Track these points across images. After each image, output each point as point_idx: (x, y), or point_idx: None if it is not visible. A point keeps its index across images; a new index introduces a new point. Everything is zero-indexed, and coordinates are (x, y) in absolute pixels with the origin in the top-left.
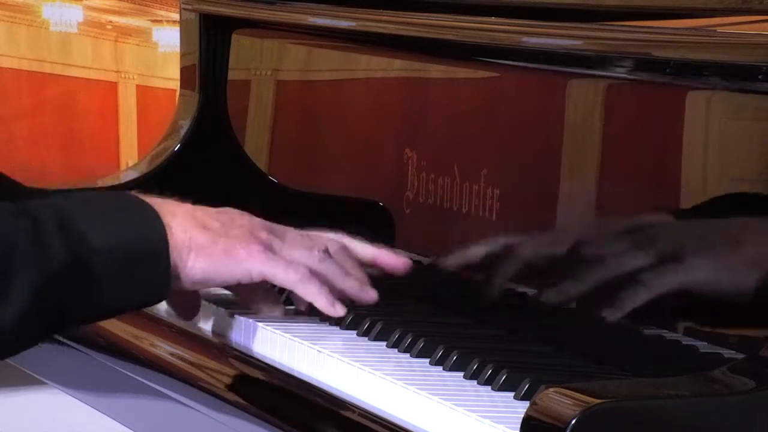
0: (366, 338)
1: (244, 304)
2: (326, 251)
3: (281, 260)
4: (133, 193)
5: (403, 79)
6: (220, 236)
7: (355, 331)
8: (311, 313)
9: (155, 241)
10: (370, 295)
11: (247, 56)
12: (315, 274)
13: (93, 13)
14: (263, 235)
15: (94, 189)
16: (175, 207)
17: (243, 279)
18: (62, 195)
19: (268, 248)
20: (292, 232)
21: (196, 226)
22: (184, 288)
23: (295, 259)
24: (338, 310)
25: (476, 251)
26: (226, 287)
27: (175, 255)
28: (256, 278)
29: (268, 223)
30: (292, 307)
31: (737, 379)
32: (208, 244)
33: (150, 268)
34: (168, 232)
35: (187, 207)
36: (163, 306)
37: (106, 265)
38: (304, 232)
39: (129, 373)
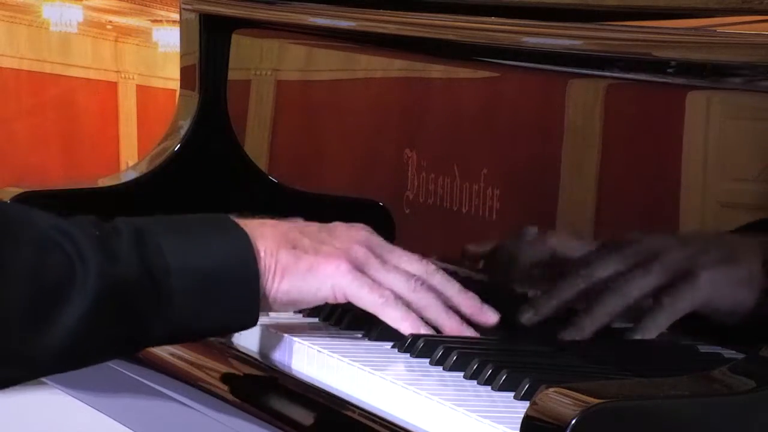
0: (366, 339)
1: None
2: (424, 281)
3: (367, 280)
4: (231, 216)
5: (403, 79)
6: (307, 254)
7: (355, 331)
8: (311, 314)
9: (241, 265)
10: (467, 332)
11: (247, 56)
12: (404, 300)
13: (93, 13)
14: (359, 253)
15: (94, 189)
16: (267, 228)
17: (328, 298)
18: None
19: (358, 267)
20: (395, 253)
21: (285, 246)
22: (275, 311)
23: (386, 281)
24: (421, 330)
25: (476, 251)
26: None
27: (261, 280)
28: (340, 298)
29: (375, 242)
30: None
31: (737, 379)
32: (292, 263)
33: (233, 293)
34: (258, 257)
35: (282, 226)
36: None
37: (183, 285)
38: (415, 257)
39: (129, 373)
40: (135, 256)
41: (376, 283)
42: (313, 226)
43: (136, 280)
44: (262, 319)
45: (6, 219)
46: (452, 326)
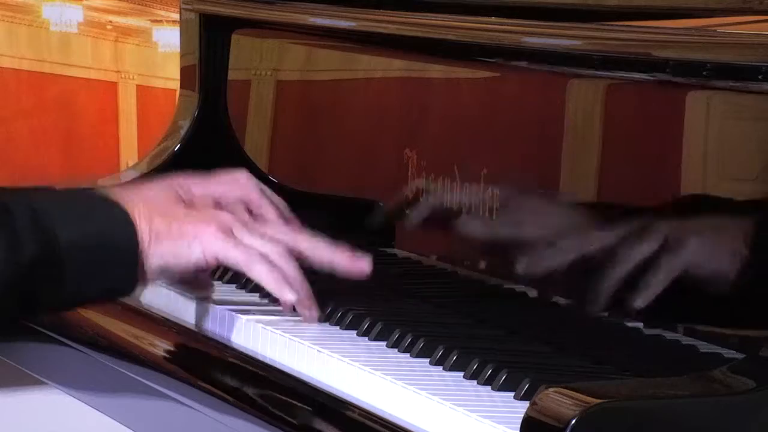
0: (366, 338)
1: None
2: (291, 247)
3: (235, 240)
4: (105, 188)
5: (403, 79)
6: (178, 220)
7: (355, 331)
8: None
9: (121, 236)
10: (360, 264)
11: (247, 56)
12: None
13: (93, 13)
14: (226, 218)
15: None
16: (141, 196)
17: (200, 261)
18: (32, 190)
19: (225, 230)
20: (264, 224)
21: (158, 212)
22: (150, 277)
23: (251, 243)
24: (287, 294)
25: (476, 251)
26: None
27: (139, 247)
28: (211, 260)
29: (257, 192)
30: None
31: (737, 379)
32: (164, 229)
33: (116, 263)
34: (134, 226)
35: (156, 193)
36: (162, 300)
37: (75, 261)
38: (281, 222)
39: (129, 373)
40: (32, 238)
41: (243, 244)
42: (194, 181)
43: (35, 258)
44: (263, 319)
45: None
46: (304, 294)
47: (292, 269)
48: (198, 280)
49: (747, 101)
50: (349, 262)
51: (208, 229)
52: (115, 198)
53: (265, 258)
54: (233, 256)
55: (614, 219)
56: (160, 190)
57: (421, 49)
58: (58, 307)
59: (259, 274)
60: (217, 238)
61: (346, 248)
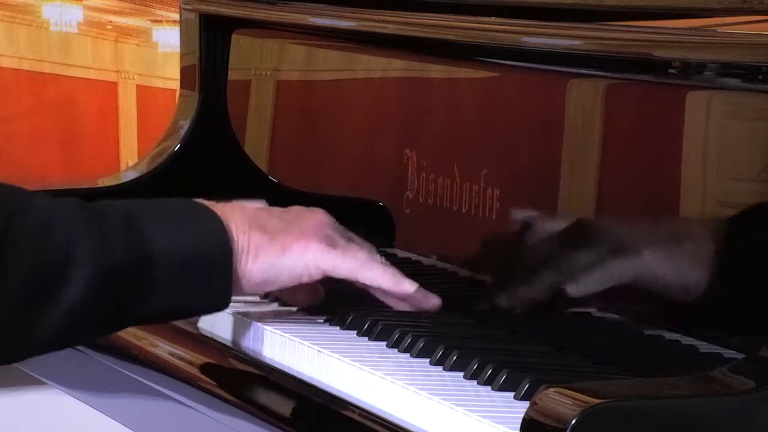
0: (366, 338)
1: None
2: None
3: (339, 251)
4: (200, 200)
5: (403, 79)
6: (279, 233)
7: (355, 331)
8: (311, 313)
9: (217, 248)
10: (433, 302)
11: (247, 56)
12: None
13: (93, 13)
14: (327, 231)
15: (94, 189)
16: (237, 210)
17: (303, 275)
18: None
19: (328, 241)
20: (359, 239)
21: (256, 227)
22: (247, 292)
23: (355, 252)
24: (406, 286)
25: (476, 251)
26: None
27: (235, 260)
28: (315, 273)
29: (338, 225)
30: (291, 307)
31: (737, 379)
32: (265, 243)
33: (211, 275)
34: (231, 239)
35: (249, 209)
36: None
37: (167, 269)
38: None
39: (129, 373)
40: (124, 240)
41: (348, 252)
42: (277, 210)
43: (126, 262)
44: (263, 321)
45: (4, 198)
46: (417, 296)
47: (393, 267)
48: (302, 291)
49: (747, 101)
50: (422, 298)
51: (310, 243)
52: (212, 209)
53: (371, 260)
54: (342, 265)
55: (614, 219)
56: (251, 206)
57: (421, 49)
58: (144, 320)
59: (373, 276)
60: (321, 251)
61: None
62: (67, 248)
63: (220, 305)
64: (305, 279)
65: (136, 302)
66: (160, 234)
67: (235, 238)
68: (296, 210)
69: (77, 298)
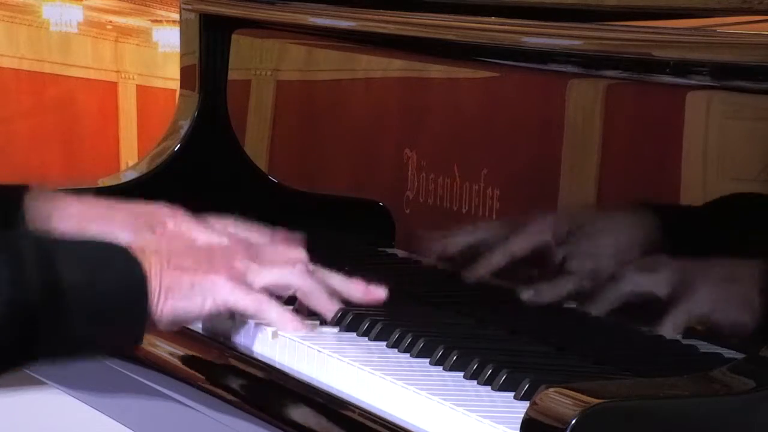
0: (366, 338)
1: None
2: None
3: (244, 289)
4: (115, 241)
5: (403, 79)
6: (188, 273)
7: (355, 331)
8: (311, 314)
9: (130, 290)
10: (376, 294)
11: (247, 56)
12: (292, 288)
13: (93, 13)
14: (237, 264)
15: (94, 189)
16: (150, 250)
17: (212, 312)
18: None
19: (237, 277)
20: (283, 252)
21: (168, 266)
22: (162, 328)
23: (263, 282)
24: (291, 326)
25: (476, 251)
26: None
27: (149, 302)
28: (222, 308)
29: (256, 244)
30: (290, 307)
31: (737, 379)
32: (174, 284)
33: (124, 316)
34: (146, 278)
35: (163, 244)
36: None
37: (79, 308)
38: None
39: (129, 373)
40: (38, 280)
41: (254, 290)
42: (194, 241)
43: (38, 301)
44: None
45: None
46: (330, 308)
47: (319, 281)
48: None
49: (747, 101)
50: (365, 292)
51: (218, 280)
52: (128, 249)
53: (272, 301)
54: (244, 305)
55: (614, 219)
56: (172, 239)
57: (421, 49)
58: (60, 355)
59: (271, 319)
60: (227, 288)
61: (357, 280)
62: None
63: (133, 343)
64: (215, 313)
65: (47, 340)
66: (73, 273)
67: (148, 279)
68: (207, 245)
69: None
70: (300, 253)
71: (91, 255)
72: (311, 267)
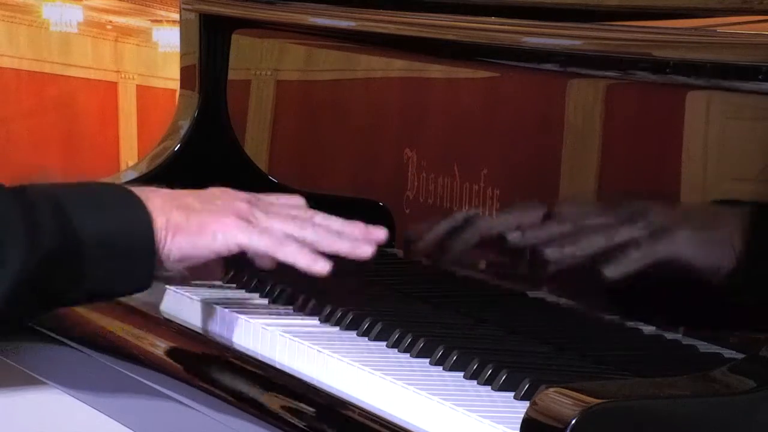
0: (366, 338)
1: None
2: (309, 219)
3: (256, 228)
4: (124, 185)
5: (403, 79)
6: (196, 212)
7: (355, 331)
8: (312, 313)
9: (141, 230)
10: (365, 250)
11: (247, 56)
12: (295, 239)
13: (93, 13)
14: (242, 206)
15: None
16: (155, 193)
17: (221, 251)
18: (56, 185)
19: (244, 219)
20: (276, 205)
21: (174, 207)
22: (167, 269)
23: (273, 226)
24: (320, 266)
25: (476, 251)
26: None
27: (156, 240)
28: (234, 248)
29: (252, 196)
30: (290, 307)
31: (737, 379)
32: (183, 222)
33: (135, 256)
34: (152, 220)
35: (166, 191)
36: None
37: (94, 251)
38: (294, 200)
39: (129, 373)
40: (54, 228)
41: (263, 228)
42: (192, 190)
43: (56, 248)
44: (264, 321)
45: None
46: (348, 247)
47: (318, 234)
48: (208, 269)
49: (747, 101)
50: (367, 232)
51: (227, 220)
52: (134, 193)
53: (290, 237)
54: (258, 241)
55: (614, 219)
56: (172, 190)
57: (421, 49)
58: (77, 301)
59: (288, 255)
60: (238, 228)
61: (357, 222)
62: (1, 234)
63: (143, 284)
64: (224, 253)
65: (67, 284)
66: (87, 219)
67: (155, 217)
68: (210, 190)
69: (12, 281)
70: (299, 200)
71: (97, 198)
72: (311, 212)
